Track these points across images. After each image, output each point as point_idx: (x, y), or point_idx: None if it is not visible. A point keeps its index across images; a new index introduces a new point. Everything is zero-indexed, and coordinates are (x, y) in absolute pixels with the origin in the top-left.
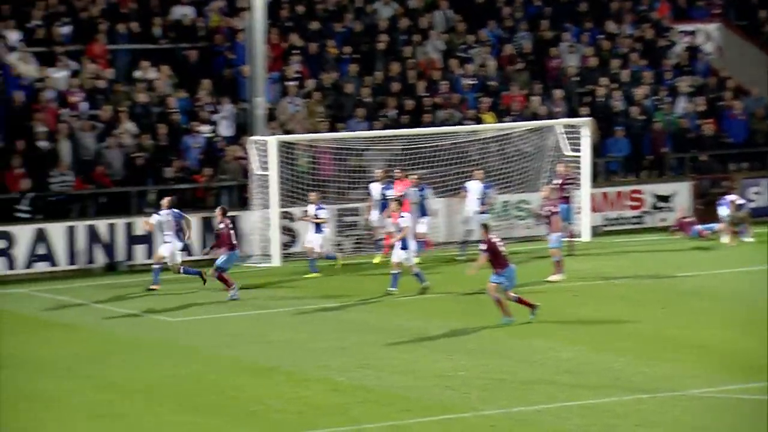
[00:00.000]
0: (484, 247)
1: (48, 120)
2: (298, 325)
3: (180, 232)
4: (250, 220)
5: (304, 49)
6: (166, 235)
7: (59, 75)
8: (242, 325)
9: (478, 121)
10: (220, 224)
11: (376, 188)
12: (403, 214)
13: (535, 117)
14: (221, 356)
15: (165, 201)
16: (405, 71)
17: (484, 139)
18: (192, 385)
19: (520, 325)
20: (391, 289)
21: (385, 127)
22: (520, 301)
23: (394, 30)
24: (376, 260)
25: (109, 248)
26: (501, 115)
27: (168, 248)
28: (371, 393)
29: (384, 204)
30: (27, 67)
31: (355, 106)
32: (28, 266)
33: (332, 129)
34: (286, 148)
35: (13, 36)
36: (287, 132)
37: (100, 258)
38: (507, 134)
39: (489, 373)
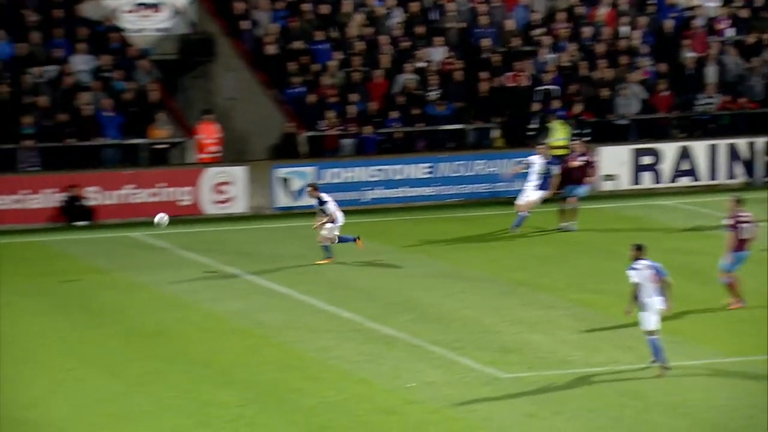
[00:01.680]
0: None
1: (696, 46)
2: None
3: None
4: None
5: None
6: None
7: (709, 4)
8: None
9: None
10: None
11: None
12: None
13: None
14: None
15: None
16: None
17: None
18: None
19: None
20: None
21: None
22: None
23: None
24: None
25: (748, 165)
26: None
27: None
28: None
29: None
30: None
31: None
32: (673, 180)
33: None
34: None
35: None
36: None
37: (740, 174)
38: None
39: None
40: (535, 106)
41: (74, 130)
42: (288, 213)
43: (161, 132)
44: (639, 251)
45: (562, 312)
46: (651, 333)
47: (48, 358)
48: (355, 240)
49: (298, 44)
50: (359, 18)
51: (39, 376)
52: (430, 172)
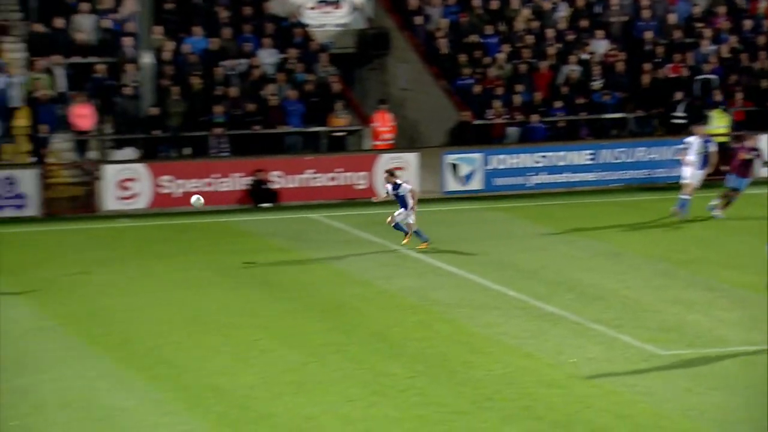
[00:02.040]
0: None
1: None
2: None
3: None
4: None
5: None
6: None
7: None
8: None
9: None
10: None
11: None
12: None
13: None
14: None
15: None
16: None
17: None
18: None
19: None
20: None
21: None
22: None
23: None
24: None
25: None
26: None
27: None
28: None
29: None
30: None
31: None
32: None
33: None
34: None
35: None
36: None
37: None
38: None
39: None
40: (695, 96)
41: (261, 119)
42: (456, 197)
43: (340, 120)
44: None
45: (719, 293)
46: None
47: (235, 330)
48: (406, 233)
49: (468, 38)
50: (526, 12)
51: (227, 346)
52: (592, 159)
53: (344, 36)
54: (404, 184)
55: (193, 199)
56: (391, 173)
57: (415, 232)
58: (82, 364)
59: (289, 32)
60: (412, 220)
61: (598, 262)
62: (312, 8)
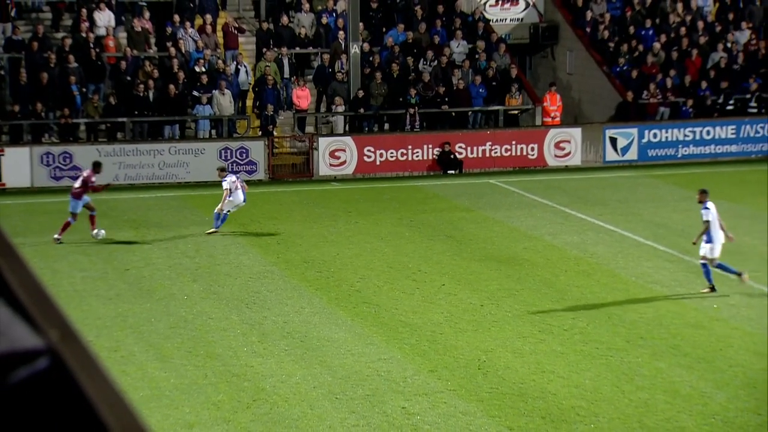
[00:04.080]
0: None
1: None
2: None
3: None
4: None
5: None
6: None
7: None
8: None
9: None
10: None
11: None
12: None
13: None
14: None
15: None
16: None
17: None
18: None
19: None
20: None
21: None
22: None
23: None
24: None
25: None
26: None
27: None
28: None
29: None
30: None
31: None
32: None
33: None
34: None
35: None
36: None
37: None
38: None
39: None
40: None
41: (449, 100)
42: (616, 166)
43: (515, 101)
44: (704, 194)
45: None
46: (712, 261)
47: (424, 276)
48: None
49: (629, 30)
50: (680, 6)
51: (418, 289)
52: (735, 133)
53: (520, 28)
54: (223, 181)
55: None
56: (222, 169)
57: (216, 214)
58: (299, 302)
59: (474, 26)
60: (221, 206)
61: (739, 221)
62: (493, 5)
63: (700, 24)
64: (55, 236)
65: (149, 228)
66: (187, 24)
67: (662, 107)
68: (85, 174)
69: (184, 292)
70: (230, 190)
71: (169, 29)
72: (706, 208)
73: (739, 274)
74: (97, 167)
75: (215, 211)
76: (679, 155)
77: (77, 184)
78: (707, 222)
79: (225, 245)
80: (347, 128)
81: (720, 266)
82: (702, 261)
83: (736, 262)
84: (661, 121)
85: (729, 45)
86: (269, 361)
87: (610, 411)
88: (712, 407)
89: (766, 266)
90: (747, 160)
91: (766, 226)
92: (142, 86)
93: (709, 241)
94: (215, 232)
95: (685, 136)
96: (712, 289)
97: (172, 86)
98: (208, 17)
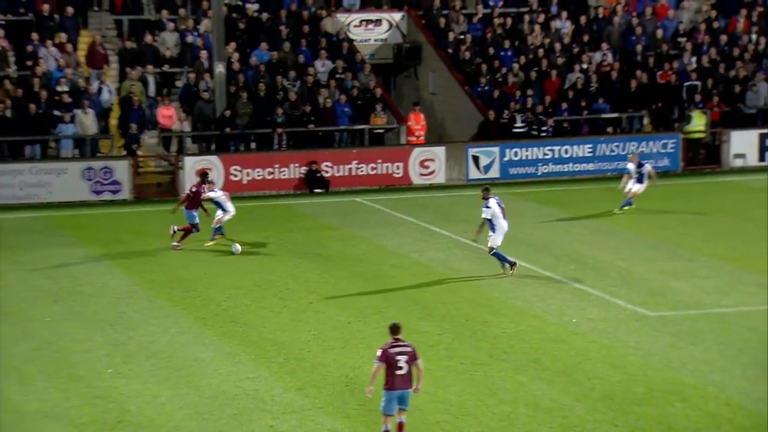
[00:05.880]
0: None
1: None
2: None
3: None
4: None
5: None
6: None
7: None
8: None
9: None
10: None
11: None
12: None
13: None
14: None
15: None
16: None
17: None
18: None
19: None
20: None
21: None
22: None
23: None
24: None
25: None
26: None
27: None
28: None
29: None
30: None
31: None
32: None
33: None
34: None
35: None
36: None
37: None
38: None
39: None
40: (679, 99)
41: (315, 119)
42: (478, 183)
43: (380, 120)
44: (487, 191)
45: (699, 264)
46: (495, 248)
47: (292, 294)
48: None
49: (488, 51)
50: (537, 28)
51: (286, 308)
52: (591, 152)
53: (384, 49)
54: (212, 192)
55: (234, 248)
56: (210, 182)
57: (214, 228)
58: (165, 322)
59: (338, 46)
60: (219, 216)
61: (596, 238)
62: (357, 26)
63: (557, 45)
64: None
65: (3, 250)
66: (48, 42)
67: (523, 126)
68: None
69: (45, 314)
70: (221, 201)
71: (29, 47)
72: (488, 206)
73: (512, 264)
74: None
75: (213, 225)
76: (539, 173)
77: None
78: (485, 219)
79: (87, 266)
80: (213, 147)
81: (496, 254)
82: (491, 251)
83: (594, 279)
84: (521, 140)
85: (584, 66)
86: (134, 382)
87: (475, 425)
88: (572, 419)
89: (622, 281)
90: (603, 178)
91: (621, 241)
92: (0, 105)
93: (494, 232)
94: (214, 242)
95: (545, 154)
96: (513, 264)
97: (33, 105)
98: (64, 35)
